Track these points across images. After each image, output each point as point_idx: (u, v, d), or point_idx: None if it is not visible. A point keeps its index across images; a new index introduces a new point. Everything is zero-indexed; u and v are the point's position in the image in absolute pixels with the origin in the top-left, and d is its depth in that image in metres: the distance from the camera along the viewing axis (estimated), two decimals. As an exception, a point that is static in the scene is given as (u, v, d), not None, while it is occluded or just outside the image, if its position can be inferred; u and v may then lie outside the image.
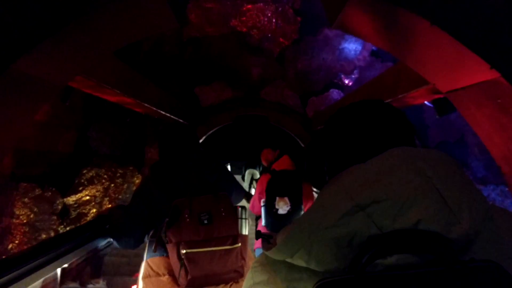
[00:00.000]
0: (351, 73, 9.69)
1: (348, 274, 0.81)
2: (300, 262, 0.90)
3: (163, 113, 6.61)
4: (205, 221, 2.11)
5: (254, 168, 7.43)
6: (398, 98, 4.39)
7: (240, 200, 2.61)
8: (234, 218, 2.18)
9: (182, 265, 2.09)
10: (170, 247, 2.15)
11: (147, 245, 2.35)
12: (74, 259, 2.51)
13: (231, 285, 2.22)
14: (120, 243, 2.39)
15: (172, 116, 7.32)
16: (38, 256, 2.10)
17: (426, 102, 4.20)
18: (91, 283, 5.79)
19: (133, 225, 2.29)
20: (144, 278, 2.24)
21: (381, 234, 0.82)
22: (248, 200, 4.27)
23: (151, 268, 2.23)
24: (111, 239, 2.56)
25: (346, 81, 9.80)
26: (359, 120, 1.11)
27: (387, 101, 5.10)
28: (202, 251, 2.08)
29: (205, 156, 2.49)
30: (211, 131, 9.94)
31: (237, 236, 2.15)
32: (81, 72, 3.74)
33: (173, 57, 9.47)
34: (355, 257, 0.82)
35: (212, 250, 2.08)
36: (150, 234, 2.34)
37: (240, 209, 2.26)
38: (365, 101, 1.15)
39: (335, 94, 9.76)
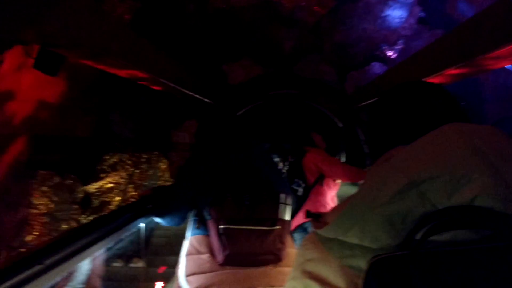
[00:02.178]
0: (395, 43, 8.80)
1: (403, 250, 0.83)
2: (354, 240, 0.92)
3: (185, 91, 5.86)
4: (247, 202, 2.20)
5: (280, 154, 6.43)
6: (469, 63, 3.50)
7: (283, 191, 2.44)
8: (274, 202, 2.24)
9: (220, 240, 2.18)
10: (211, 223, 2.24)
11: (190, 223, 2.44)
12: (117, 239, 2.63)
13: (271, 268, 2.26)
14: (164, 221, 2.52)
15: (195, 95, 6.58)
16: (83, 236, 2.19)
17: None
18: (133, 262, 6.19)
19: (178, 204, 2.40)
20: (186, 255, 2.31)
21: (436, 210, 0.83)
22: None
23: (193, 246, 2.31)
24: (155, 218, 2.68)
25: (389, 53, 8.93)
26: (414, 99, 1.15)
27: (448, 68, 4.34)
28: (241, 228, 2.17)
29: (251, 140, 2.55)
30: (240, 112, 9.27)
31: (276, 220, 2.22)
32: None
33: (198, 32, 8.75)
34: (410, 234, 0.84)
35: (250, 229, 2.17)
36: (193, 212, 2.41)
37: (283, 195, 2.28)
38: (420, 81, 1.20)
39: (377, 67, 8.92)
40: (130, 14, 7.75)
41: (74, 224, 8.41)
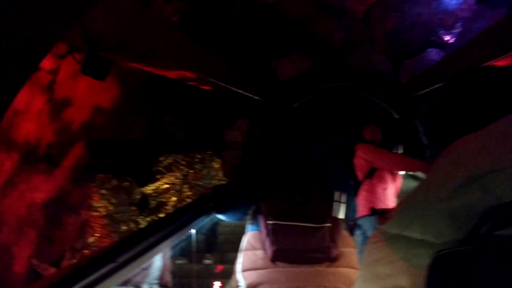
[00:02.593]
0: (453, 27, 8.32)
1: (468, 245, 0.81)
2: (416, 234, 0.91)
3: (234, 89, 5.79)
4: (298, 199, 2.18)
5: None
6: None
7: (342, 190, 2.37)
8: (327, 199, 2.21)
9: (269, 236, 2.18)
10: (261, 219, 2.26)
11: (249, 219, 2.48)
12: (183, 237, 2.73)
13: (323, 268, 2.20)
14: (226, 217, 2.57)
15: (245, 93, 6.50)
16: (152, 234, 2.26)
17: None
18: (203, 258, 6.46)
19: (238, 200, 2.45)
20: (244, 250, 2.34)
21: (501, 204, 0.81)
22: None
23: (249, 242, 2.33)
24: (217, 215, 2.75)
25: (447, 38, 8.47)
26: (483, 86, 1.10)
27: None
28: (289, 224, 2.15)
29: (311, 136, 2.49)
30: (292, 107, 9.17)
31: (326, 217, 2.18)
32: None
33: (245, 29, 8.68)
34: (474, 228, 0.82)
35: (298, 225, 2.15)
36: (253, 208, 2.43)
37: (338, 192, 2.24)
38: (489, 67, 1.14)
39: (433, 54, 8.51)
40: (177, 16, 7.78)
41: (133, 225, 8.60)
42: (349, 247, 2.30)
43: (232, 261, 5.90)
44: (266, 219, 2.22)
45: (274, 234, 2.18)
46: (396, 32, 8.77)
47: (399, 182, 4.50)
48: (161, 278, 3.18)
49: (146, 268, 2.93)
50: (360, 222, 4.24)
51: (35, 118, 6.74)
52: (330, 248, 2.19)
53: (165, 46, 3.56)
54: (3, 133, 6.21)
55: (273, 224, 2.18)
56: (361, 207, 4.23)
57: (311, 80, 9.25)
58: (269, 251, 2.21)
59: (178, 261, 6.24)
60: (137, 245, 2.11)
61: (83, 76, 6.61)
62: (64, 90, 7.10)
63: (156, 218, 8.65)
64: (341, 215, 2.24)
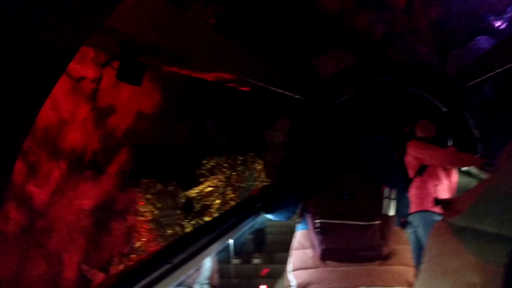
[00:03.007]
0: (504, 12, 7.89)
1: None
2: (490, 228, 0.88)
3: (274, 89, 5.68)
4: (345, 197, 2.16)
5: None
6: None
7: (392, 186, 2.32)
8: (376, 196, 2.17)
9: (316, 235, 2.17)
10: (308, 218, 2.25)
11: (298, 218, 2.47)
12: (232, 237, 2.79)
13: (375, 266, 2.15)
14: (274, 216, 2.60)
15: (285, 92, 6.38)
16: (203, 236, 2.32)
17: None
18: (253, 258, 6.52)
19: (285, 199, 2.45)
20: (294, 250, 2.33)
21: None
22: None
23: (299, 241, 2.32)
24: (265, 214, 2.79)
25: (497, 24, 8.05)
26: None
27: None
28: (336, 223, 2.13)
29: (358, 132, 2.47)
30: (334, 105, 9.00)
31: (375, 214, 2.14)
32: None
33: (283, 27, 8.57)
34: None
35: (346, 223, 2.13)
36: (301, 207, 2.42)
37: (387, 189, 2.19)
38: None
39: (483, 42, 8.11)
40: (214, 18, 7.76)
41: (178, 228, 8.66)
42: (402, 244, 2.24)
43: (280, 261, 6.05)
44: (313, 218, 2.21)
45: (322, 233, 2.16)
46: (441, 21, 8.45)
47: (455, 177, 4.31)
48: (211, 279, 3.25)
49: (197, 269, 2.99)
50: (410, 219, 4.13)
51: (80, 127, 6.89)
52: (381, 246, 2.13)
53: (201, 48, 3.49)
54: (50, 142, 6.38)
55: (320, 223, 2.17)
56: (412, 204, 4.09)
57: (353, 76, 9.05)
58: (318, 250, 2.19)
59: (227, 262, 6.39)
60: (190, 246, 2.16)
61: (125, 83, 6.69)
62: (107, 98, 7.22)
63: (201, 221, 8.69)
64: (392, 211, 2.19)
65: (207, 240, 2.33)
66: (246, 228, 3.04)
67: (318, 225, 2.17)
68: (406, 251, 2.22)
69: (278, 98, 7.45)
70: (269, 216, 2.67)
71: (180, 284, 2.73)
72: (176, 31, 3.08)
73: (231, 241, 2.98)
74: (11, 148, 1.56)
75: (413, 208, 4.09)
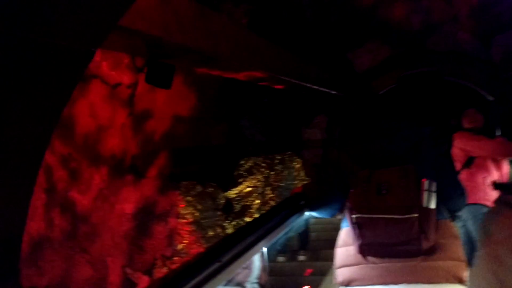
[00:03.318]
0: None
1: None
2: None
3: (309, 85, 5.57)
4: (383, 191, 2.14)
5: None
6: None
7: (433, 178, 2.23)
8: (415, 189, 2.12)
9: (354, 230, 2.17)
10: (347, 214, 2.25)
11: (341, 215, 2.47)
12: (276, 236, 2.80)
13: (418, 262, 2.10)
14: (318, 213, 2.68)
15: (321, 89, 6.24)
16: (250, 234, 2.34)
17: None
18: (297, 256, 6.59)
19: (328, 196, 2.47)
20: (338, 247, 2.33)
21: None
22: None
23: (343, 238, 2.32)
24: (309, 212, 2.83)
25: (545, 5, 7.55)
26: None
27: None
28: (372, 217, 2.12)
29: (398, 125, 2.44)
30: (372, 99, 8.74)
31: (413, 207, 2.09)
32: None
33: (316, 23, 8.43)
34: None
35: (381, 217, 2.11)
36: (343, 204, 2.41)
37: (427, 181, 2.13)
38: None
39: (529, 25, 7.62)
40: (246, 18, 7.71)
41: (219, 230, 8.65)
42: (451, 238, 2.18)
43: (324, 258, 5.79)
44: (351, 213, 2.21)
45: (359, 228, 2.15)
46: (483, 6, 8.12)
47: (506, 169, 4.14)
48: (260, 277, 3.30)
49: (247, 267, 3.05)
50: (459, 212, 3.95)
51: (119, 132, 7.00)
52: (420, 240, 2.07)
53: (230, 47, 3.43)
54: (90, 149, 6.52)
55: (356, 217, 2.16)
56: None
57: (391, 68, 8.88)
58: (356, 245, 2.18)
59: (274, 260, 6.42)
60: (237, 245, 2.20)
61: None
62: (144, 103, 7.31)
63: (242, 222, 8.65)
64: (432, 204, 2.12)
65: (254, 238, 2.36)
66: (291, 226, 3.07)
67: (354, 220, 2.17)
68: (454, 245, 2.15)
69: (314, 95, 7.30)
70: (314, 214, 2.73)
71: (230, 282, 2.84)
72: (203, 30, 3.03)
73: (276, 240, 3.00)
74: (35, 156, 1.53)
75: None
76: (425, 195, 2.11)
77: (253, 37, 4.01)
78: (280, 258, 6.67)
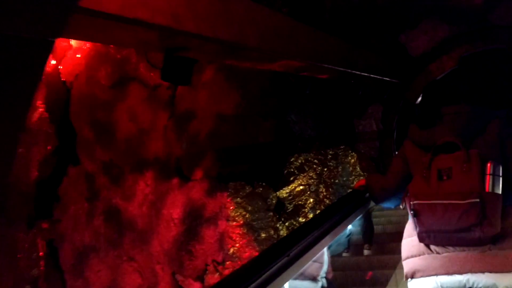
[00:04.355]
0: None
1: None
2: None
3: (357, 72, 5.06)
4: (444, 177, 2.10)
5: None
6: None
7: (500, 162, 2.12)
8: (478, 174, 2.03)
9: (413, 218, 2.15)
10: (406, 200, 2.22)
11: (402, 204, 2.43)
12: (343, 230, 2.88)
13: (484, 250, 2.03)
14: (384, 204, 2.67)
15: (372, 76, 5.70)
16: (316, 228, 2.37)
17: None
18: (365, 248, 6.44)
19: (390, 186, 2.46)
20: (404, 239, 2.32)
21: None
22: None
23: (407, 229, 2.31)
24: (373, 203, 2.87)
25: None
26: None
27: None
28: (430, 203, 2.08)
29: (463, 109, 2.34)
30: (431, 84, 8.11)
31: (473, 192, 2.00)
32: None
33: (364, 4, 7.84)
34: None
35: (440, 203, 2.05)
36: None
37: (493, 165, 2.03)
38: None
39: None
40: (287, 7, 7.25)
41: (272, 232, 8.30)
42: None
43: (390, 252, 5.88)
44: (409, 200, 2.17)
45: (417, 215, 2.12)
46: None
47: None
48: (328, 272, 3.37)
49: (318, 261, 3.10)
50: None
51: (161, 135, 6.81)
52: (482, 226, 1.99)
53: (258, 34, 3.01)
54: (133, 154, 6.36)
55: (413, 204, 2.12)
56: None
57: (450, 49, 8.12)
58: (415, 234, 2.16)
59: (340, 254, 6.30)
60: (304, 239, 2.21)
61: (203, 85, 6.44)
62: (186, 103, 7.08)
63: (295, 223, 8.27)
64: (498, 189, 2.03)
65: (320, 232, 2.36)
66: (356, 220, 3.11)
67: (412, 207, 2.13)
68: None
69: (365, 83, 6.75)
70: (379, 205, 2.76)
71: (301, 276, 2.91)
72: (222, 16, 2.63)
73: (342, 233, 3.15)
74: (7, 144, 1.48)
75: None
76: (489, 179, 2.03)
77: (287, 21, 3.56)
78: (345, 253, 6.55)
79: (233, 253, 7.82)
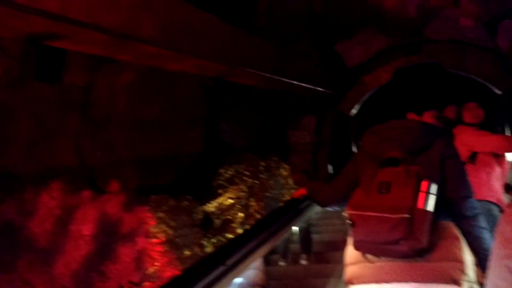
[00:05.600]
0: None
1: None
2: None
3: (287, 81, 4.65)
4: (383, 191, 2.21)
5: None
6: None
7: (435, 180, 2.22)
8: (412, 190, 2.15)
9: (350, 227, 2.28)
10: (346, 210, 2.34)
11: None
12: (280, 240, 3.00)
13: (414, 262, 2.16)
14: (329, 207, 2.73)
15: (304, 85, 5.35)
16: (254, 237, 2.54)
17: None
18: (300, 259, 6.15)
19: (333, 198, 2.60)
20: (347, 246, 2.43)
21: None
22: None
23: (349, 238, 2.40)
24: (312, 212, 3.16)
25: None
26: None
27: None
28: (363, 215, 2.21)
29: (398, 124, 2.49)
30: (365, 96, 8.11)
31: (404, 208, 2.12)
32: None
33: (300, 13, 7.63)
34: None
35: (373, 215, 2.17)
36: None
37: (427, 183, 2.15)
38: None
39: (540, 7, 6.92)
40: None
41: (197, 249, 7.83)
42: (450, 239, 2.20)
43: (328, 261, 5.66)
44: (348, 210, 2.30)
45: (351, 225, 2.25)
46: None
47: (507, 164, 4.22)
48: (261, 281, 3.35)
49: (251, 271, 3.06)
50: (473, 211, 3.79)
51: (71, 141, 6.11)
52: (407, 241, 2.10)
53: (158, 26, 2.47)
54: (33, 163, 5.60)
55: (351, 214, 2.25)
56: None
57: (385, 62, 8.24)
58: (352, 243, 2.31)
59: (276, 264, 6.08)
60: (241, 249, 2.31)
61: (122, 89, 5.76)
62: (102, 107, 6.41)
63: (223, 239, 7.85)
64: (429, 207, 2.15)
65: (257, 242, 2.44)
66: (292, 229, 3.24)
67: (348, 217, 2.25)
68: (454, 246, 2.17)
69: (297, 92, 6.43)
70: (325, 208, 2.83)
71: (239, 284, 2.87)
72: (112, 2, 2.05)
73: (279, 242, 3.10)
74: None
75: None
76: (423, 196, 2.14)
77: (199, 14, 3.04)
78: (282, 262, 6.33)
79: (153, 272, 7.21)
